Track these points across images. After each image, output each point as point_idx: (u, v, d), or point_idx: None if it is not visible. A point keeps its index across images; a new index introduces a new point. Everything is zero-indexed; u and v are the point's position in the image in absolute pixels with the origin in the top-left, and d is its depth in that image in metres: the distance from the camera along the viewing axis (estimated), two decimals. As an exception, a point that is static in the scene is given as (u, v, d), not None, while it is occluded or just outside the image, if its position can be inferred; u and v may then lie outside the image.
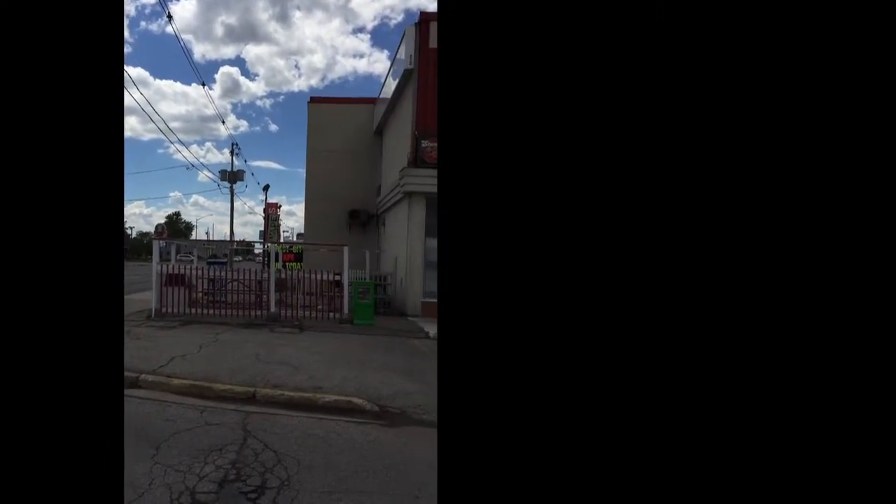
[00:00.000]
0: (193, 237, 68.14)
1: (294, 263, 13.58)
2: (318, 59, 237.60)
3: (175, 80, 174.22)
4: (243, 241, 36.21)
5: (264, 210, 32.78)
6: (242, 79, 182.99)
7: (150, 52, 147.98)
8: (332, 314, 11.36)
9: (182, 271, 11.61)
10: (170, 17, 35.38)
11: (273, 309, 11.10)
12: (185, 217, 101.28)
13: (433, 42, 12.87)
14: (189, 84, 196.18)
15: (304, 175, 21.96)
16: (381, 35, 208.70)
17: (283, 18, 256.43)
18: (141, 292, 14.20)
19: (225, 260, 27.35)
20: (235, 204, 30.32)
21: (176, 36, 74.82)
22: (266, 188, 31.82)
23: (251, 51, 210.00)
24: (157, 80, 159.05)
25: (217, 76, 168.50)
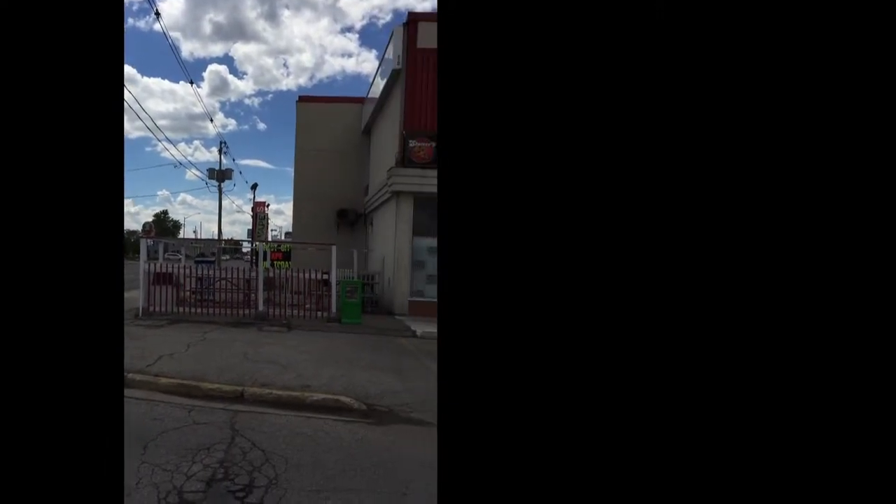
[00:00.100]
0: (181, 236, 67.40)
1: (282, 262, 13.59)
2: (307, 59, 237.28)
3: (163, 78, 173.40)
4: (231, 239, 35.92)
5: (252, 209, 32.60)
6: (231, 77, 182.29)
7: (138, 50, 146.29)
8: (320, 313, 11.37)
9: (170, 270, 11.55)
10: (158, 13, 34.98)
11: (261, 308, 11.09)
12: (173, 215, 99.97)
13: (421, 42, 12.90)
14: (177, 82, 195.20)
15: (293, 174, 21.93)
16: (369, 35, 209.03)
17: (272, 17, 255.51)
18: (128, 291, 14.07)
19: (213, 258, 27.18)
20: (223, 202, 30.10)
21: (164, 33, 74.07)
22: (254, 187, 31.69)
23: (240, 49, 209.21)
24: (145, 78, 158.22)
25: (205, 74, 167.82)
